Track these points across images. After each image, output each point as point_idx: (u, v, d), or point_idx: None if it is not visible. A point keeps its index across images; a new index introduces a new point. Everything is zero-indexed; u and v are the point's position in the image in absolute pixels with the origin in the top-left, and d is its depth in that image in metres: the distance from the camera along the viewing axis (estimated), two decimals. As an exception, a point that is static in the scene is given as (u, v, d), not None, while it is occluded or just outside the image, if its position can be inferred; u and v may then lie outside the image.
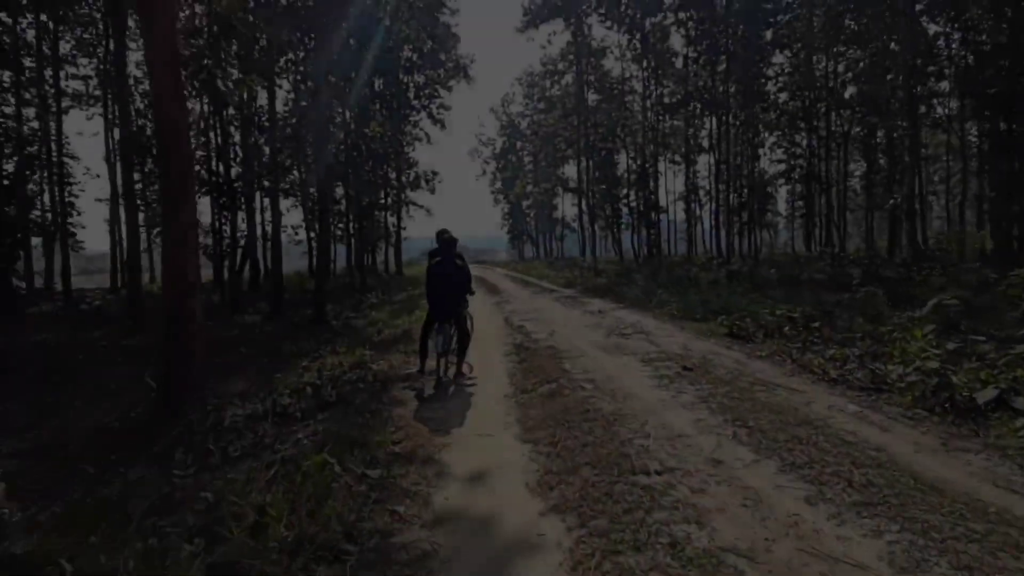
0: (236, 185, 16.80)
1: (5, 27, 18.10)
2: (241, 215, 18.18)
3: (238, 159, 17.81)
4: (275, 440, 5.55)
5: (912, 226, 20.50)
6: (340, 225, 28.65)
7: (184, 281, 6.39)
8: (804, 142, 38.92)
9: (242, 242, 18.30)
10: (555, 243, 60.39)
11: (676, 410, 5.26)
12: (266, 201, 26.55)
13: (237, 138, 18.12)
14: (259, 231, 21.59)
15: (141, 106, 24.22)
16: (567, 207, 60.50)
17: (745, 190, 33.20)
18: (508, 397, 6.26)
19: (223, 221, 17.91)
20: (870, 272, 19.41)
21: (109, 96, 28.47)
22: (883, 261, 23.59)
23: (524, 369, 7.50)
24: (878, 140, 34.81)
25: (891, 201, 26.97)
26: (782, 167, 42.41)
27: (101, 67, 24.74)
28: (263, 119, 16.86)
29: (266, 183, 17.92)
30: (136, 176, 29.18)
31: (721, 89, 31.37)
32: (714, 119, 33.58)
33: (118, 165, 19.27)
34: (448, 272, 7.19)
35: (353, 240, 26.09)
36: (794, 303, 12.52)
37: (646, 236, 34.30)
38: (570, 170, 50.54)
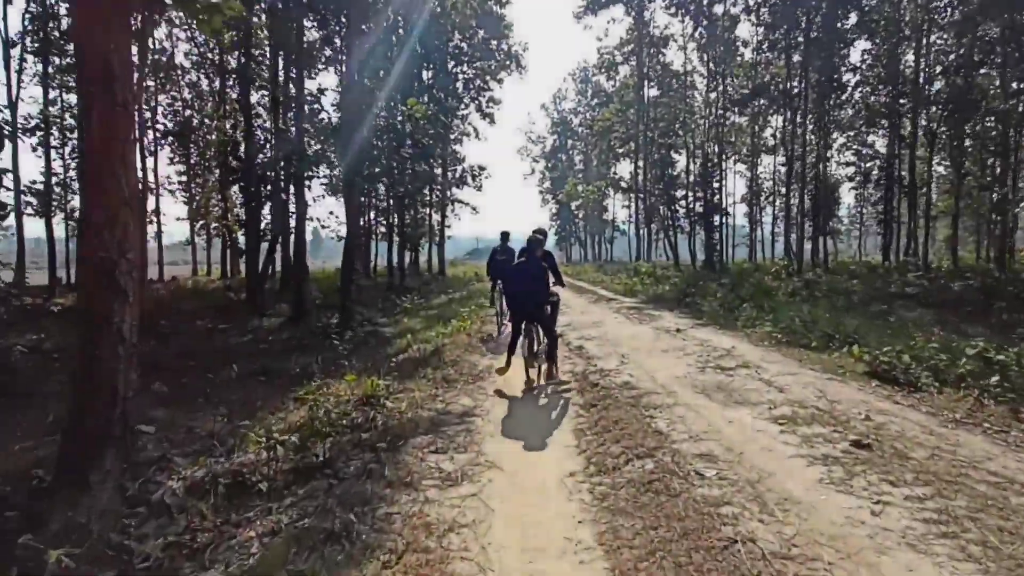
0: (260, 171, 14.96)
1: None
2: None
3: (268, 144, 16.07)
4: (212, 541, 3.44)
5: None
6: (381, 221, 26.89)
7: (108, 283, 4.30)
8: (881, 142, 35.28)
9: (269, 235, 16.47)
10: (604, 246, 57.59)
11: (902, 555, 2.81)
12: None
13: (268, 122, 16.40)
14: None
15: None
16: (618, 208, 57.68)
17: (815, 193, 29.77)
18: (577, 480, 3.92)
19: (256, 212, 16.15)
20: (989, 288, 16.17)
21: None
22: (991, 275, 20.09)
23: (594, 423, 5.14)
24: (967, 142, 30.93)
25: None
26: (851, 170, 38.69)
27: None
28: (300, 102, 15.02)
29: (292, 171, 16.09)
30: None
31: (796, 80, 28.14)
32: (787, 113, 30.35)
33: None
34: (531, 272, 6.68)
35: (395, 237, 24.20)
36: (923, 324, 9.75)
37: (706, 240, 31.25)
38: (623, 169, 47.80)
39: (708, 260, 31.05)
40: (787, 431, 4.58)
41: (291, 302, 13.62)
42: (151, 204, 28.85)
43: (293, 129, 14.01)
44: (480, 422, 5.45)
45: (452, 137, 35.53)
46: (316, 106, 16.23)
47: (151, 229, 27.35)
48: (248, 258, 15.27)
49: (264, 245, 15.84)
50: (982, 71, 29.63)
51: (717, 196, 31.62)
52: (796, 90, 27.98)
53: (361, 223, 22.73)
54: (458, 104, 33.76)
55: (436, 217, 33.36)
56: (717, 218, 31.58)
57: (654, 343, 8.84)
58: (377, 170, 15.71)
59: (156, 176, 29.72)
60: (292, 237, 14.83)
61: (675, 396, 5.77)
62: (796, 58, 27.88)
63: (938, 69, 30.81)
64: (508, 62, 32.51)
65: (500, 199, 71.89)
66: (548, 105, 56.72)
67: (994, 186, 33.66)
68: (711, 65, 32.03)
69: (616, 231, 55.30)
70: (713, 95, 31.45)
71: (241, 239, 18.52)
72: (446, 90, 30.55)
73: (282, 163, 14.87)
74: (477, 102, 34.26)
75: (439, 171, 32.02)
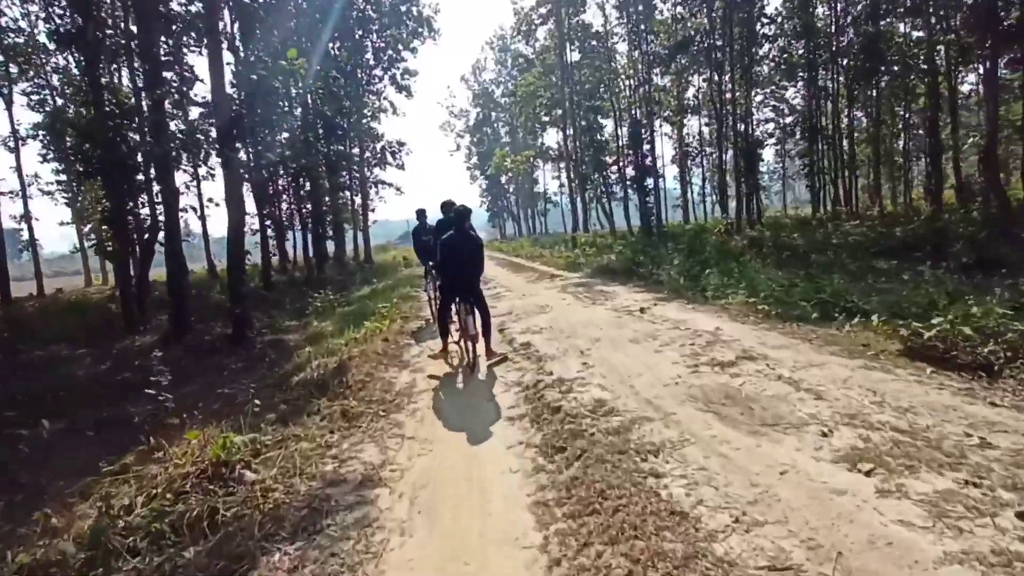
0: (121, 159, 11.96)
1: None
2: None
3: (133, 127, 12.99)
4: None
5: (994, 174, 16.23)
6: (297, 208, 23.89)
7: None
8: (796, 97, 34.95)
9: (149, 235, 13.50)
10: (538, 219, 55.90)
11: None
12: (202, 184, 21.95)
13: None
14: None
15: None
16: (549, 180, 55.97)
17: (745, 149, 28.88)
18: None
19: (120, 208, 13.11)
20: (939, 232, 15.29)
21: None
22: (935, 219, 19.51)
23: (565, 490, 3.15)
24: (881, 90, 30.87)
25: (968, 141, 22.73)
26: (770, 126, 38.42)
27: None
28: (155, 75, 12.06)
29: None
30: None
31: (719, 35, 26.89)
32: (712, 69, 29.19)
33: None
34: (466, 246, 6.23)
35: (308, 225, 21.36)
36: (924, 281, 8.37)
37: (640, 205, 29.91)
38: (550, 139, 45.96)
39: (645, 225, 29.77)
40: (885, 489, 2.73)
41: (177, 311, 10.95)
42: (14, 209, 24.78)
43: (146, 104, 11.13)
44: (387, 499, 3.38)
45: (367, 113, 32.51)
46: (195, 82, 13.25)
47: (19, 238, 23.27)
48: (117, 263, 12.37)
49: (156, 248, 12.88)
50: (888, 20, 29.50)
51: (649, 159, 30.27)
52: (720, 43, 26.68)
53: (267, 210, 19.80)
54: (369, 76, 30.71)
55: (358, 201, 30.47)
56: (651, 181, 30.27)
57: (618, 330, 6.95)
58: (260, 147, 12.99)
59: (21, 176, 25.43)
60: (161, 234, 11.99)
61: (676, 423, 3.86)
62: (717, 5, 26.53)
63: (848, 20, 30.50)
64: (420, 28, 29.67)
65: (427, 178, 68.94)
66: (468, 77, 53.97)
67: (905, 133, 34.18)
68: (631, 23, 30.40)
69: (548, 203, 53.68)
70: (636, 53, 29.86)
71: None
72: (355, 62, 27.50)
73: (147, 148, 11.96)
74: (391, 74, 31.31)
75: (356, 150, 29.06)
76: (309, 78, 20.86)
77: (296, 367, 7.33)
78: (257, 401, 5.72)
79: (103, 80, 12.22)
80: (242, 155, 18.89)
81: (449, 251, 6.19)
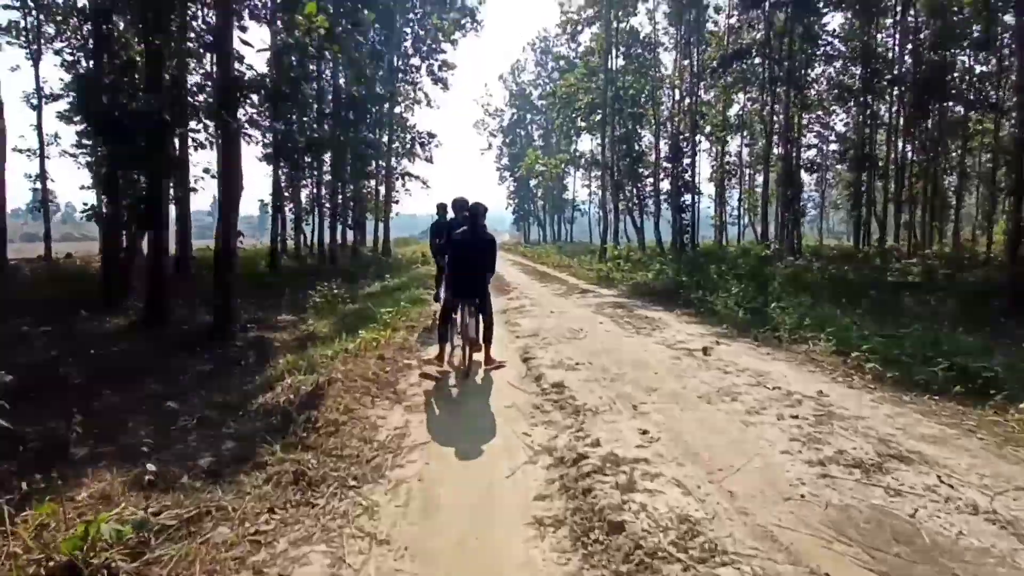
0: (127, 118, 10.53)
1: None
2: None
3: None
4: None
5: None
6: (315, 191, 22.51)
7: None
8: (848, 121, 32.72)
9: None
10: (564, 227, 54.15)
11: None
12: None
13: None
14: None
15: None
16: (578, 187, 54.26)
17: (791, 172, 26.89)
18: None
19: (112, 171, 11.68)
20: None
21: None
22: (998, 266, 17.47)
23: None
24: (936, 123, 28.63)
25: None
26: (811, 152, 36.22)
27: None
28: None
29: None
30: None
31: (775, 48, 24.97)
32: (760, 89, 27.33)
33: None
34: (475, 245, 5.75)
35: (326, 212, 19.92)
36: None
37: (675, 221, 28.08)
38: (584, 146, 44.19)
39: (678, 242, 27.92)
40: None
41: (150, 295, 9.47)
42: (32, 168, 23.82)
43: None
44: None
45: (400, 102, 31.14)
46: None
47: (27, 198, 22.23)
48: (106, 228, 10.98)
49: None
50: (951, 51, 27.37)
51: (688, 174, 28.42)
52: (777, 56, 24.73)
53: (288, 190, 18.39)
54: (406, 65, 29.31)
55: (382, 191, 29.04)
56: (688, 198, 28.41)
57: (681, 379, 5.25)
58: (278, 120, 11.51)
59: (41, 135, 24.39)
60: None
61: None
62: (779, 16, 24.64)
63: (908, 47, 28.38)
64: (463, 18, 28.20)
65: (457, 175, 67.70)
66: (507, 76, 52.40)
67: (960, 169, 31.77)
68: (681, 34, 28.63)
69: (576, 211, 51.98)
70: (687, 63, 28.07)
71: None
72: (391, 47, 26.11)
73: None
74: (429, 64, 29.89)
75: (385, 139, 27.65)
76: (339, 54, 19.53)
77: (268, 381, 5.76)
78: (194, 435, 4.20)
79: (107, 27, 10.81)
80: (254, 131, 17.59)
81: (457, 249, 5.85)
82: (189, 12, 10.45)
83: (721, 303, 8.91)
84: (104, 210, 12.20)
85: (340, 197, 20.16)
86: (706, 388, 4.90)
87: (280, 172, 19.04)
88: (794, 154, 26.79)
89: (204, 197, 47.28)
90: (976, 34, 25.68)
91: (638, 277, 13.91)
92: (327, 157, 19.25)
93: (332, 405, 4.69)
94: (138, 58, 12.11)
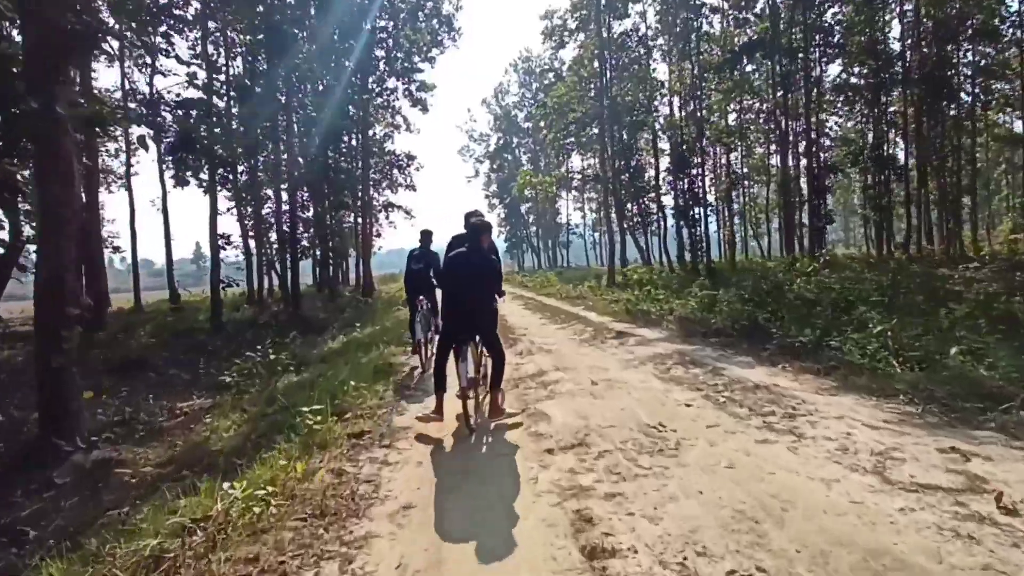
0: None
1: None
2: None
3: None
4: None
5: None
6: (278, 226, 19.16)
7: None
8: (858, 122, 29.89)
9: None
10: (559, 251, 50.94)
11: None
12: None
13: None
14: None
15: None
16: (571, 210, 51.26)
17: (816, 176, 23.86)
18: None
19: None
20: None
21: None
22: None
23: None
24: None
25: None
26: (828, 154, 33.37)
27: None
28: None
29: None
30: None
31: (785, 41, 22.08)
32: (771, 87, 24.43)
33: None
34: (466, 268, 4.51)
35: (286, 247, 16.48)
36: None
37: (689, 236, 24.85)
38: (577, 165, 41.25)
39: (692, 260, 24.63)
40: None
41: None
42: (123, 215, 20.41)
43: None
44: None
45: (379, 129, 28.13)
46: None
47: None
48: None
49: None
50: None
51: (697, 185, 25.31)
52: (792, 45, 21.80)
53: (229, 234, 14.98)
54: (381, 87, 26.31)
55: (361, 223, 25.70)
56: (699, 210, 25.24)
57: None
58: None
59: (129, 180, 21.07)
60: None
61: None
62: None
63: (910, 41, 25.77)
64: (439, 30, 25.27)
65: (443, 205, 64.66)
66: (490, 100, 49.77)
67: (971, 168, 28.87)
68: (673, 36, 25.89)
69: (572, 234, 48.89)
70: (687, 64, 25.23)
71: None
72: (363, 66, 23.07)
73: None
74: (405, 86, 26.92)
75: (358, 166, 24.42)
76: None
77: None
78: None
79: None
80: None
81: (445, 276, 4.74)
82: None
83: (857, 349, 5.47)
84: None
85: (303, 231, 16.79)
86: None
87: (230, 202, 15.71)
88: (819, 156, 23.80)
89: (186, 244, 43.73)
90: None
91: (677, 307, 10.49)
92: (285, 187, 15.94)
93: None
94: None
